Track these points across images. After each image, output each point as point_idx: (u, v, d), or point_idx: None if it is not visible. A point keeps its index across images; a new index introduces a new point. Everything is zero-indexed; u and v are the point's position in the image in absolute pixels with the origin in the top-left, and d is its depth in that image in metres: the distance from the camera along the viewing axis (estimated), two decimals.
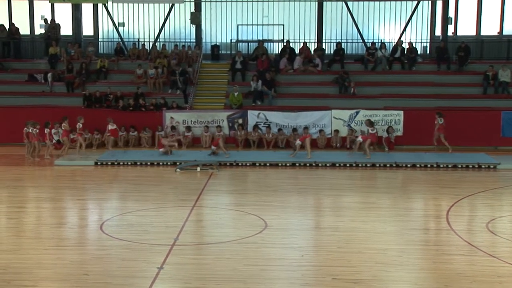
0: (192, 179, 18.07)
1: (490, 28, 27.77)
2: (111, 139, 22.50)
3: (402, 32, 28.27)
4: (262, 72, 25.26)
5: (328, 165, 19.77)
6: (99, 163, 20.01)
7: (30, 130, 20.69)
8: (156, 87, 25.39)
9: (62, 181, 17.72)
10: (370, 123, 21.08)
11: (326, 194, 16.13)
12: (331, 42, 27.95)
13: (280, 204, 14.87)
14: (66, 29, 28.64)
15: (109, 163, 20.06)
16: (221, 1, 28.58)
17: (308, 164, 19.80)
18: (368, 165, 19.64)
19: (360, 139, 20.69)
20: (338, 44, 26.92)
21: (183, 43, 28.12)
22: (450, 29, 27.79)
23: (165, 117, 23.45)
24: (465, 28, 27.85)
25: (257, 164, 19.90)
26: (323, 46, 27.70)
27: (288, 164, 19.87)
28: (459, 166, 19.51)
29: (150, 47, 27.86)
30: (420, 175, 18.69)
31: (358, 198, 15.54)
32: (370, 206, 14.70)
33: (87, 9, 28.91)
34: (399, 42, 26.91)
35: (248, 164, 19.93)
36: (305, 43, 27.10)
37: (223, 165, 19.69)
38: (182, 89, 24.81)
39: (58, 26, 28.11)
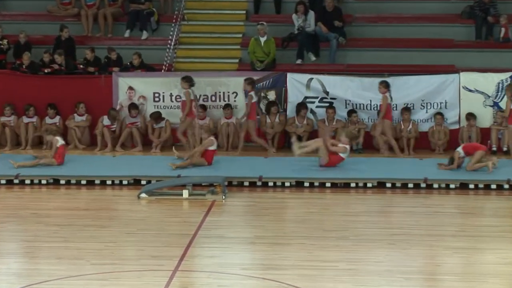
0: (172, 213, 18.21)
1: None
2: None
3: None
4: None
5: (452, 186, 19.87)
6: None
7: None
8: (99, 27, 25.98)
9: None
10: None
11: (450, 245, 16.02)
12: None
13: (351, 265, 14.74)
14: None
15: (3, 181, 20.31)
16: None
17: (410, 185, 19.84)
18: None
19: None
20: None
21: None
22: None
23: (117, 86, 23.78)
24: None
25: (306, 184, 20.02)
26: None
27: (370, 185, 19.93)
28: None
29: None
30: None
31: None
32: None
33: None
34: None
35: (286, 184, 20.09)
36: None
37: (235, 186, 19.83)
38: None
39: None
